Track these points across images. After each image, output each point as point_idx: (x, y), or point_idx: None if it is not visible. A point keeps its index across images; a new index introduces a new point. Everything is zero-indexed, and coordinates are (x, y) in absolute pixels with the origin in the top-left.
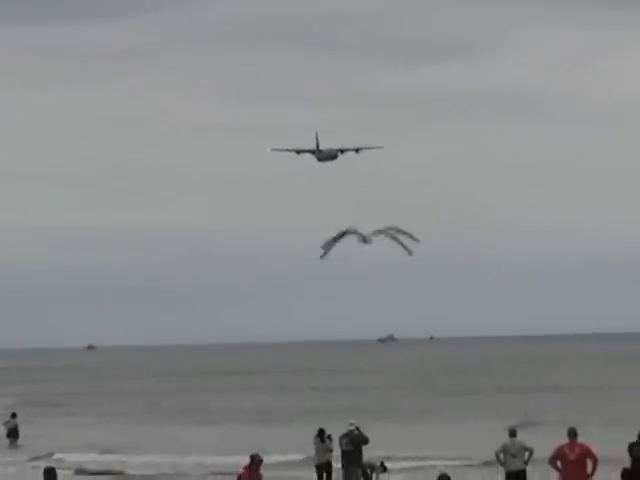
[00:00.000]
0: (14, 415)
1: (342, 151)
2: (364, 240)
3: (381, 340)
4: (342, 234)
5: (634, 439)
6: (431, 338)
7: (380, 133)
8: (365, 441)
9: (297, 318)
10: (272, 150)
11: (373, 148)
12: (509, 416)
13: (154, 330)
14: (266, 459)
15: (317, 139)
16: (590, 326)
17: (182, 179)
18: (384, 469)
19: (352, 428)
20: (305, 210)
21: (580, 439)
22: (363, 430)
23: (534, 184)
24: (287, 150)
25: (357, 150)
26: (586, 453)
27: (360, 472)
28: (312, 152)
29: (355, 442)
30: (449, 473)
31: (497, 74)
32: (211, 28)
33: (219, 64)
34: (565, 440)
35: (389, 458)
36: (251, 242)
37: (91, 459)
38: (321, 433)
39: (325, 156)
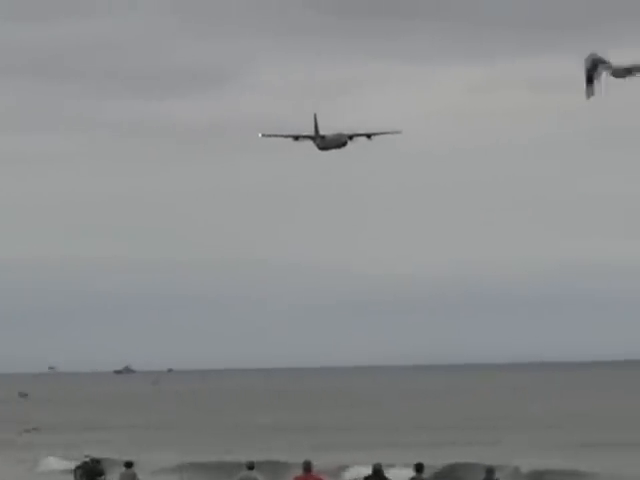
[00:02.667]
0: None
1: (351, 137)
2: None
3: (117, 372)
4: None
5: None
6: (169, 370)
7: (136, 163)
8: (100, 473)
9: (32, 348)
10: (263, 136)
11: (389, 133)
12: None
13: None
14: None
15: (316, 122)
16: (351, 360)
17: None
18: None
19: (87, 460)
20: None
21: (314, 472)
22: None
23: (286, 217)
24: (281, 136)
25: (369, 136)
26: None
27: None
28: (312, 138)
29: (90, 474)
30: None
31: (240, 104)
32: None
33: None
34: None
35: None
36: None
37: None
38: (128, 464)
39: (330, 143)
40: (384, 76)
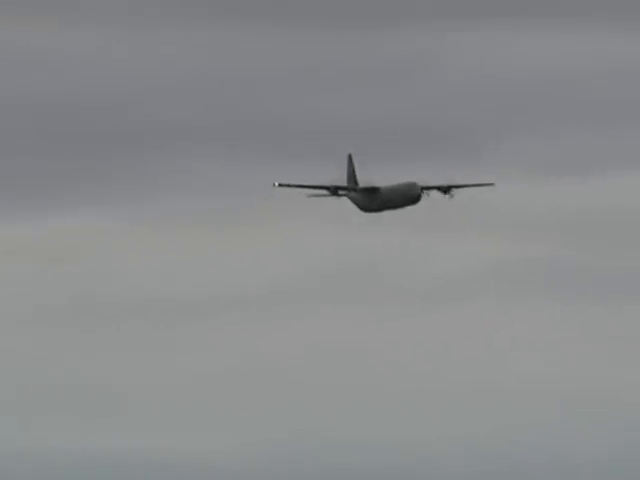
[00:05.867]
0: None
1: (423, 189)
2: None
3: None
4: None
5: None
6: None
7: None
8: None
9: None
10: (280, 186)
11: (481, 185)
12: None
13: None
14: None
15: (353, 166)
16: None
17: None
18: None
19: None
20: None
21: None
22: None
23: None
24: (307, 187)
25: (447, 190)
26: None
27: None
28: (360, 191)
29: None
30: None
31: None
32: None
33: None
34: None
35: None
36: None
37: None
38: None
39: (390, 199)
40: None
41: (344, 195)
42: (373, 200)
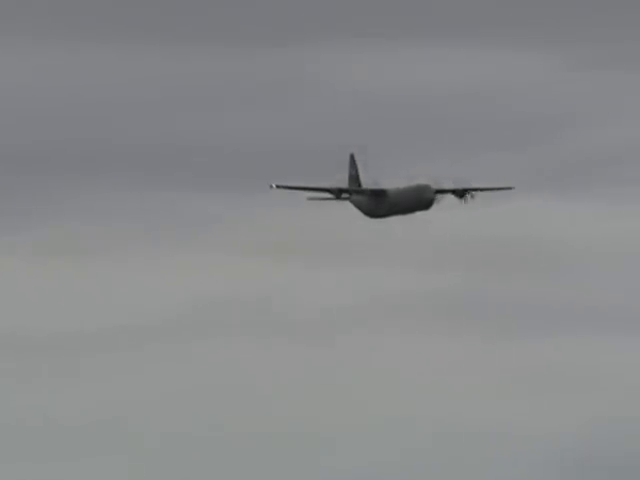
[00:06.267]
0: None
1: (437, 192)
2: None
3: None
4: None
5: None
6: None
7: None
8: None
9: None
10: (277, 187)
11: (500, 189)
12: None
13: None
14: None
15: (356, 167)
16: None
17: None
18: None
19: None
20: None
21: None
22: None
23: None
24: (303, 189)
25: (463, 194)
26: None
27: None
28: (366, 193)
29: None
30: None
31: None
32: None
33: None
34: None
35: None
36: None
37: None
38: None
39: (398, 203)
40: None
41: (346, 199)
42: (379, 204)
